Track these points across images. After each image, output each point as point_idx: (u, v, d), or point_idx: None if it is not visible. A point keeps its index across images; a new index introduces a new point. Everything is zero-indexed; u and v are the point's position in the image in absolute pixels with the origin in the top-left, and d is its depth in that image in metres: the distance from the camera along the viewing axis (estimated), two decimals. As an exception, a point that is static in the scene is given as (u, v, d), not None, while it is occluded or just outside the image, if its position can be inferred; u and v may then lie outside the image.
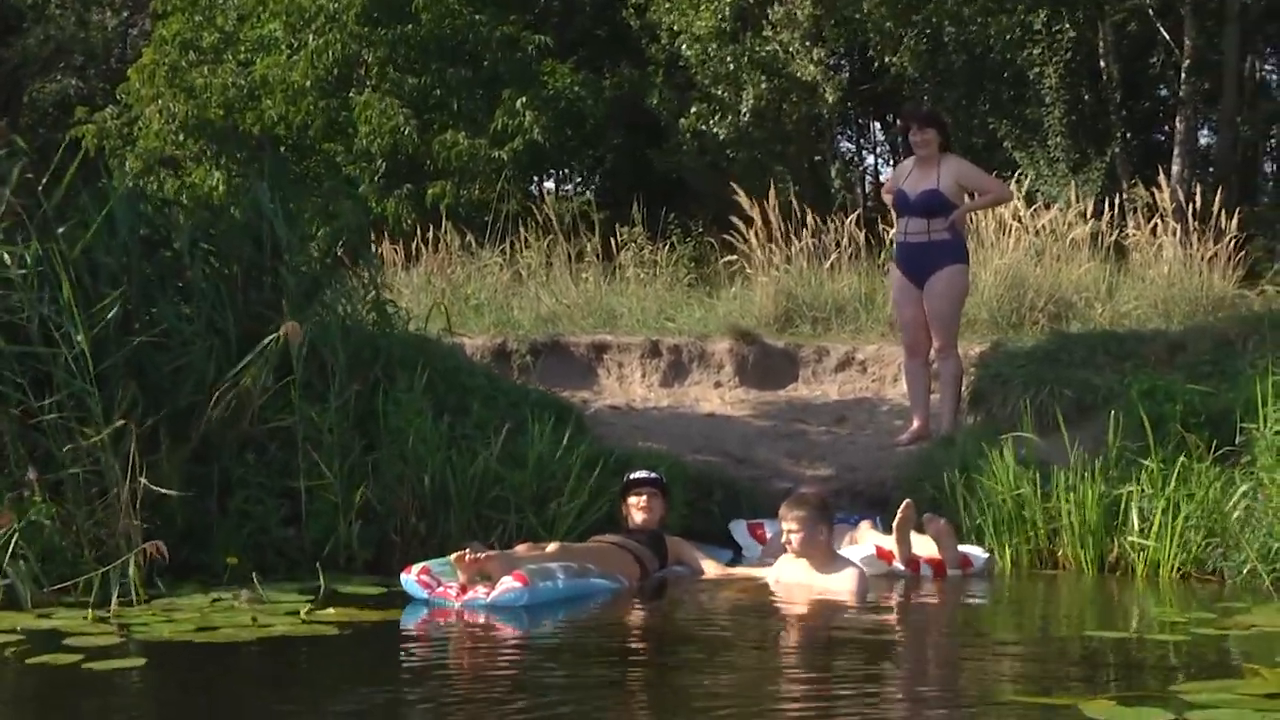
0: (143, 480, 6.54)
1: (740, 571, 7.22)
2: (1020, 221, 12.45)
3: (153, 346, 7.04)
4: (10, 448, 6.75)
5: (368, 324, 8.29)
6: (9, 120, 7.33)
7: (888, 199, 9.90)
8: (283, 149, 17.02)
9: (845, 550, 7.22)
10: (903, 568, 7.19)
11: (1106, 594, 7.09)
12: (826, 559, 6.82)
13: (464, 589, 6.35)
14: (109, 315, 6.87)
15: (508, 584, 6.27)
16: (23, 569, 6.31)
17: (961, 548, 7.33)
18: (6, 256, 6.84)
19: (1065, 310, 11.83)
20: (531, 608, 6.25)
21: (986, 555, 7.40)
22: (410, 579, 6.50)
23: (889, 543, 7.25)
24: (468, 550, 6.43)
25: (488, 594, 6.27)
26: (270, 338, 7.14)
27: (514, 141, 17.65)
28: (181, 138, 17.28)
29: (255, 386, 7.16)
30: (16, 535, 6.32)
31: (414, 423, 7.55)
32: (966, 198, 9.42)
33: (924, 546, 7.27)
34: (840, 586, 6.69)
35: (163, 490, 6.61)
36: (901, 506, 7.18)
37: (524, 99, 17.72)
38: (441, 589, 6.41)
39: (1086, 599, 7.09)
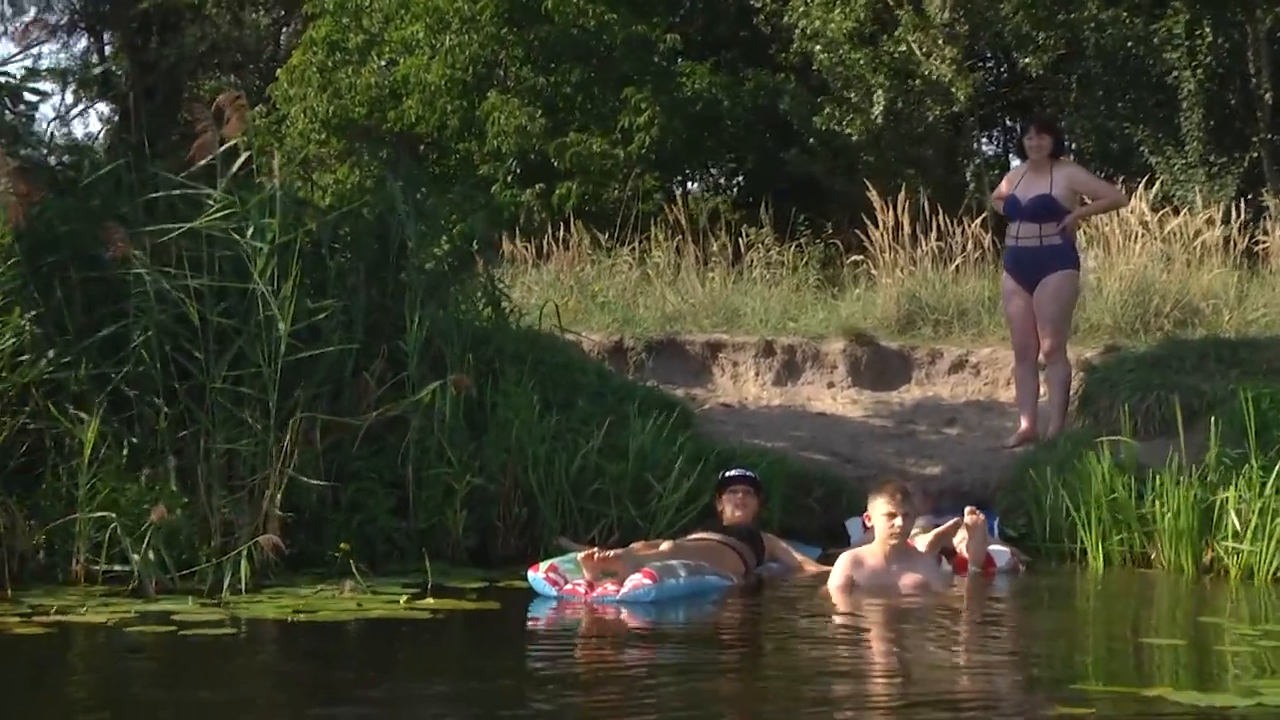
0: (289, 472, 6.84)
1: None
2: (1146, 227, 12.35)
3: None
4: (160, 425, 6.93)
5: (483, 320, 8.55)
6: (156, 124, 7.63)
7: (997, 205, 9.93)
8: (422, 148, 17.40)
9: None
10: None
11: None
12: (910, 551, 6.91)
13: (591, 586, 6.52)
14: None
15: (637, 580, 6.43)
16: (151, 560, 6.49)
17: (990, 548, 7.36)
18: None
19: (1191, 316, 11.67)
20: (659, 603, 6.40)
21: (1010, 555, 7.44)
22: (538, 576, 6.63)
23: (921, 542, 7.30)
24: (595, 549, 6.64)
25: (616, 590, 6.45)
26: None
27: (641, 141, 17.83)
28: (324, 136, 17.77)
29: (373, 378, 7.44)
30: (152, 528, 6.51)
31: (521, 415, 7.79)
32: (1079, 203, 9.46)
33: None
34: (931, 580, 6.78)
35: (310, 482, 6.92)
36: (950, 523, 7.21)
37: (652, 98, 17.89)
38: (570, 586, 6.55)
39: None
